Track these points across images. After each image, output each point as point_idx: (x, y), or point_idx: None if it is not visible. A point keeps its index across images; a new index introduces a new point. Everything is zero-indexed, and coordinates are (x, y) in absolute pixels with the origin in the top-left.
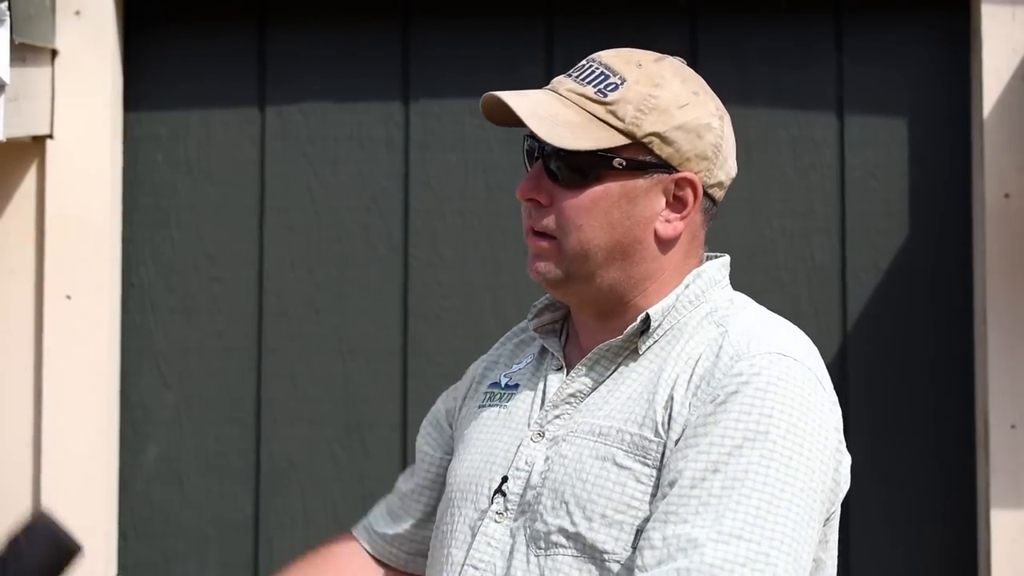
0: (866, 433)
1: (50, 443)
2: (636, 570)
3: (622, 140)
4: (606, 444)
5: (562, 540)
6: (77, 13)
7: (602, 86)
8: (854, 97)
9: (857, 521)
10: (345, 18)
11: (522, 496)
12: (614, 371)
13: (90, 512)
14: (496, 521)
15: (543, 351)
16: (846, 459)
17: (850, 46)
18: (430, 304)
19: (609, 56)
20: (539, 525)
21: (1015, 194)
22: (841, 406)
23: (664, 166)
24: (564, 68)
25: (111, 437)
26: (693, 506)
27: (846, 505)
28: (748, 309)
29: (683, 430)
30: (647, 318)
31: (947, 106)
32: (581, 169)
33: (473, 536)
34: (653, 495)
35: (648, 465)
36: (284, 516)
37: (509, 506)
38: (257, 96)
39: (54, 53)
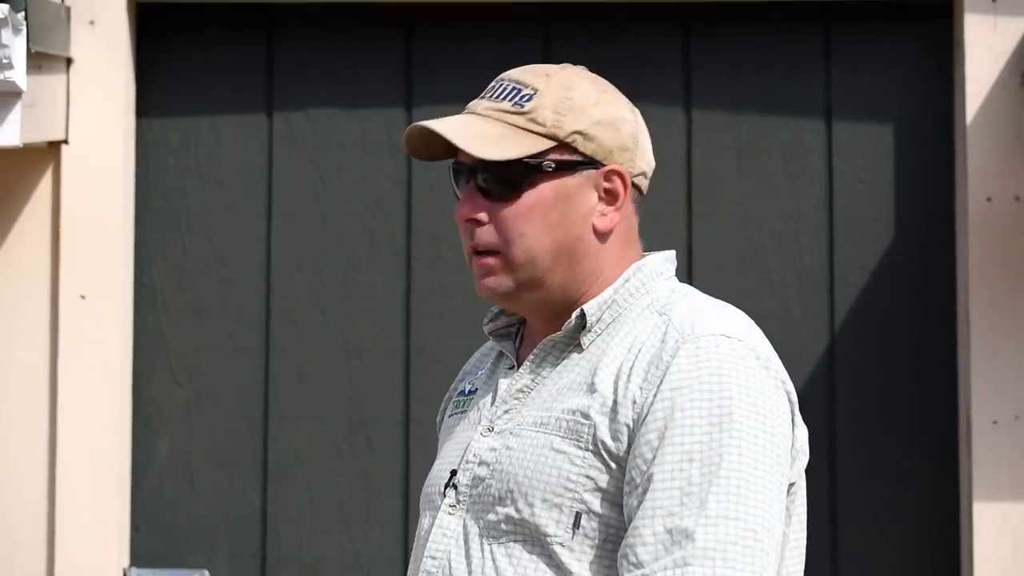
0: (853, 430)
1: (65, 438)
2: (631, 567)
3: (547, 144)
4: (546, 433)
5: (511, 528)
6: (91, 23)
7: (517, 98)
8: (842, 104)
9: (845, 514)
10: (349, 28)
11: (472, 488)
12: (559, 365)
13: (104, 505)
14: (450, 513)
15: (500, 354)
16: (801, 431)
17: (838, 55)
18: (432, 304)
19: (517, 73)
20: (490, 515)
21: (997, 198)
22: (828, 405)
23: (590, 162)
24: None
25: (124, 433)
26: (676, 497)
27: (834, 499)
28: (690, 297)
29: (640, 414)
30: (582, 314)
31: (931, 113)
32: (513, 180)
33: (433, 529)
34: (587, 476)
35: (580, 447)
36: (291, 509)
37: (461, 498)
38: (265, 103)
39: (69, 61)
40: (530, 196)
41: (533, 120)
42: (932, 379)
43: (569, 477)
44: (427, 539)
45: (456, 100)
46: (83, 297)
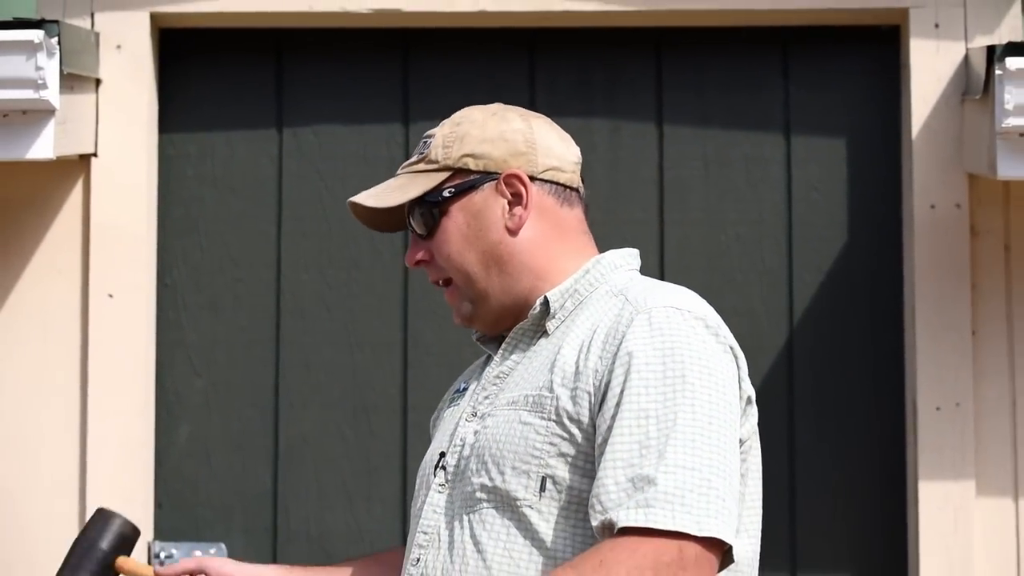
0: (811, 416)
1: (94, 425)
2: (596, 514)
3: (442, 176)
4: (515, 409)
5: (484, 496)
6: (118, 47)
7: (421, 149)
8: (799, 120)
9: (803, 491)
10: (351, 52)
11: (456, 466)
12: (528, 351)
13: (130, 485)
14: (439, 492)
15: (488, 358)
16: (748, 389)
17: (795, 75)
18: (427, 301)
19: (436, 129)
20: (467, 487)
21: (940, 205)
22: (788, 393)
23: (486, 175)
24: (545, 94)
25: (148, 419)
26: (636, 450)
27: (793, 479)
28: (645, 280)
29: (600, 381)
30: (546, 300)
31: (880, 128)
32: (430, 216)
33: (424, 507)
34: (551, 443)
35: (544, 418)
36: (299, 488)
37: (448, 477)
38: (275, 119)
39: (98, 82)
40: (446, 223)
41: (428, 160)
42: (881, 370)
43: (535, 445)
44: (419, 516)
45: (449, 116)
46: (111, 296)
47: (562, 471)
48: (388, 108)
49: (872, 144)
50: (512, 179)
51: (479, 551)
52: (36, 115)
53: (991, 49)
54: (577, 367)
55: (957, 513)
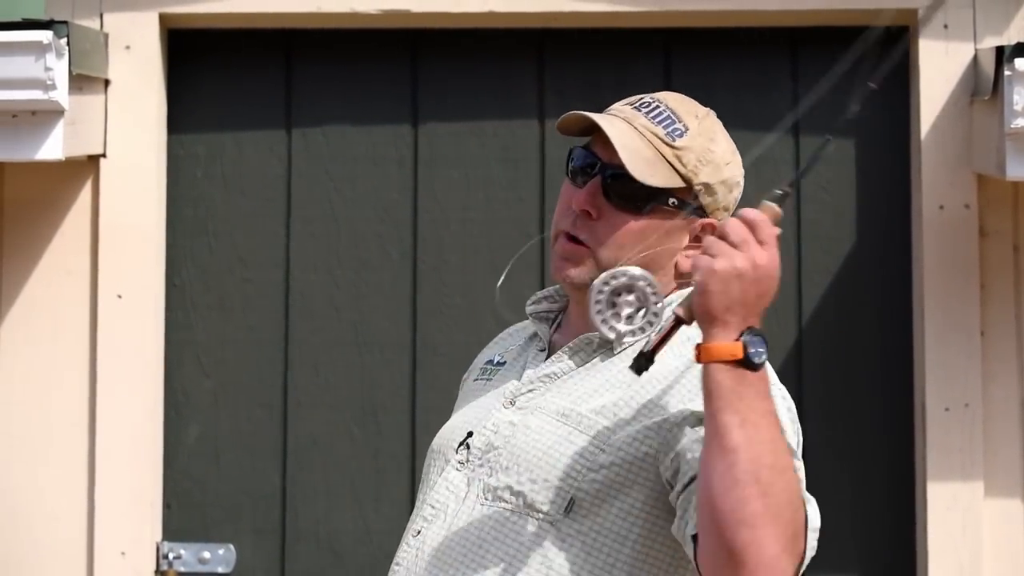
0: (820, 416)
1: (103, 424)
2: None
3: (679, 183)
4: (566, 424)
5: (506, 495)
6: (127, 48)
7: (670, 130)
8: (808, 121)
9: (812, 491)
10: (361, 52)
11: (484, 452)
12: (589, 363)
13: (138, 484)
14: (457, 469)
15: (533, 335)
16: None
17: (804, 76)
18: (436, 302)
19: (671, 100)
20: (492, 479)
21: (949, 206)
22: (797, 393)
23: (700, 210)
24: (554, 95)
25: (157, 419)
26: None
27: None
28: None
29: (676, 420)
30: None
31: (889, 129)
32: (638, 199)
33: (438, 480)
34: (591, 469)
35: (597, 447)
36: (308, 488)
37: (471, 458)
38: (284, 120)
39: (107, 83)
40: (644, 220)
41: (679, 158)
42: (890, 370)
43: (576, 467)
44: (432, 487)
45: (458, 118)
46: (120, 296)
47: (595, 496)
48: (397, 109)
49: (881, 145)
50: (708, 230)
51: (481, 548)
52: (45, 116)
53: (1000, 50)
54: (650, 413)
55: (966, 514)
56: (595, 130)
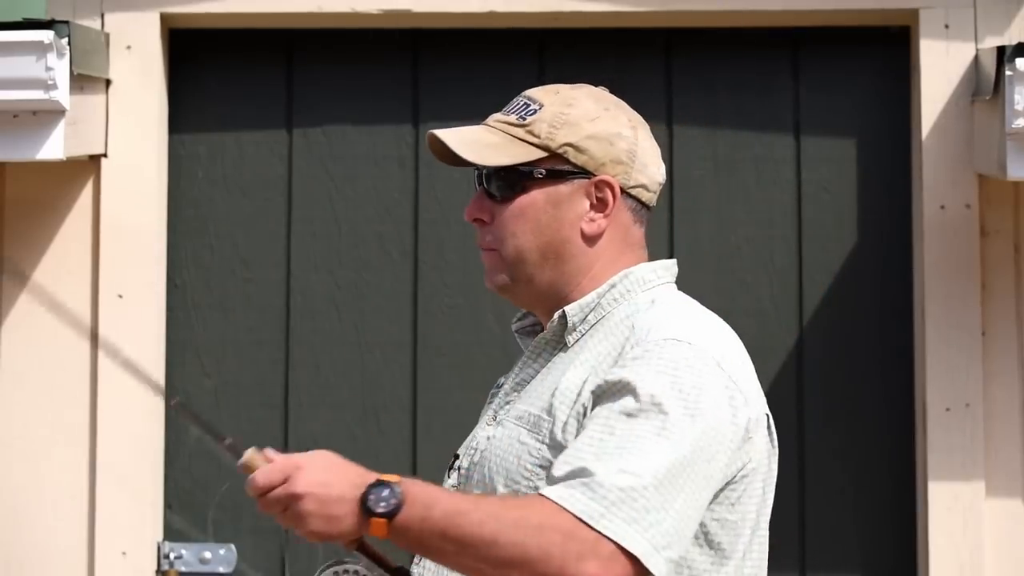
0: (820, 416)
1: (105, 424)
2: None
3: (539, 154)
4: (519, 426)
5: None
6: (128, 48)
7: (523, 112)
8: (809, 121)
9: (812, 491)
10: (362, 52)
11: (468, 470)
12: (548, 362)
13: (140, 484)
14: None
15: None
16: (756, 422)
17: (805, 77)
18: (436, 302)
19: (534, 90)
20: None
21: (950, 206)
22: (797, 393)
23: (582, 172)
24: None
25: (158, 419)
26: (589, 454)
27: (802, 478)
28: (661, 306)
29: (588, 412)
30: (564, 315)
31: (890, 129)
32: (510, 184)
33: None
34: (541, 466)
35: (539, 440)
36: None
37: (460, 479)
38: (285, 120)
39: (108, 83)
40: (523, 200)
41: (530, 132)
42: (891, 370)
43: (526, 466)
44: None
45: (459, 117)
46: (121, 296)
47: None
48: (398, 108)
49: (882, 145)
50: (604, 186)
51: None
52: (46, 116)
53: (1001, 50)
54: (579, 394)
55: (967, 514)
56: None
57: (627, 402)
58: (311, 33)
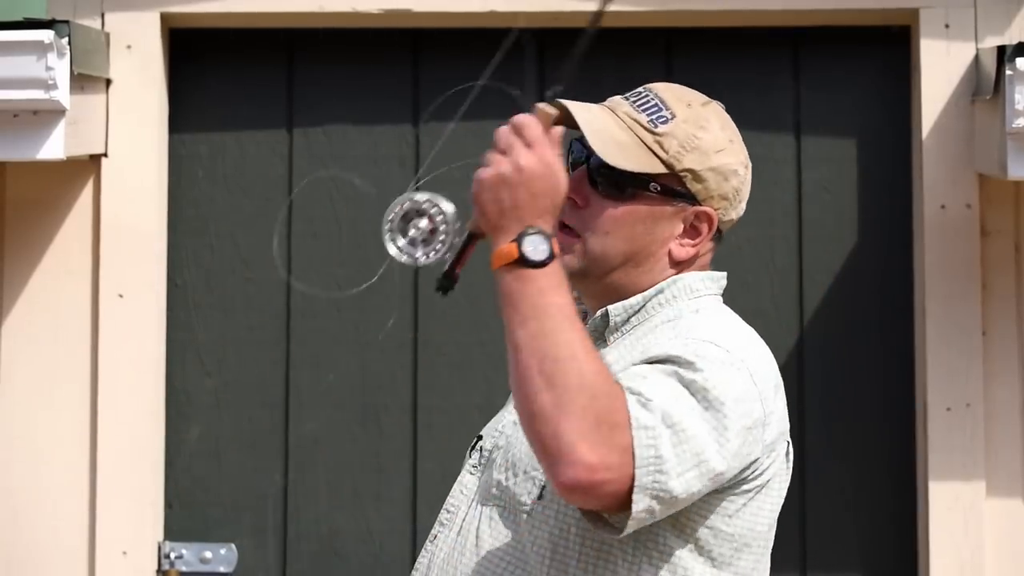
0: (821, 415)
1: (105, 424)
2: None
3: (661, 168)
4: None
5: (497, 493)
6: (128, 47)
7: (654, 117)
8: (809, 120)
9: (813, 490)
10: (362, 52)
11: (490, 453)
12: None
13: (140, 484)
14: (471, 473)
15: None
16: (778, 442)
17: (806, 76)
18: (438, 302)
19: (663, 90)
20: (487, 479)
21: (950, 205)
22: (798, 393)
23: (690, 198)
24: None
25: (158, 419)
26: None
27: (803, 478)
28: (704, 313)
29: None
30: (606, 313)
31: (890, 128)
32: (621, 185)
33: (455, 485)
34: None
35: None
36: (309, 488)
37: (482, 461)
38: (285, 120)
39: (108, 82)
40: (628, 206)
41: (660, 143)
42: (892, 369)
43: None
44: (450, 492)
45: (460, 117)
46: (121, 296)
47: None
48: (398, 108)
49: (882, 144)
50: (704, 217)
51: (478, 547)
52: (46, 115)
53: (1001, 49)
54: None
55: (967, 514)
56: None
57: (674, 367)
58: (312, 33)
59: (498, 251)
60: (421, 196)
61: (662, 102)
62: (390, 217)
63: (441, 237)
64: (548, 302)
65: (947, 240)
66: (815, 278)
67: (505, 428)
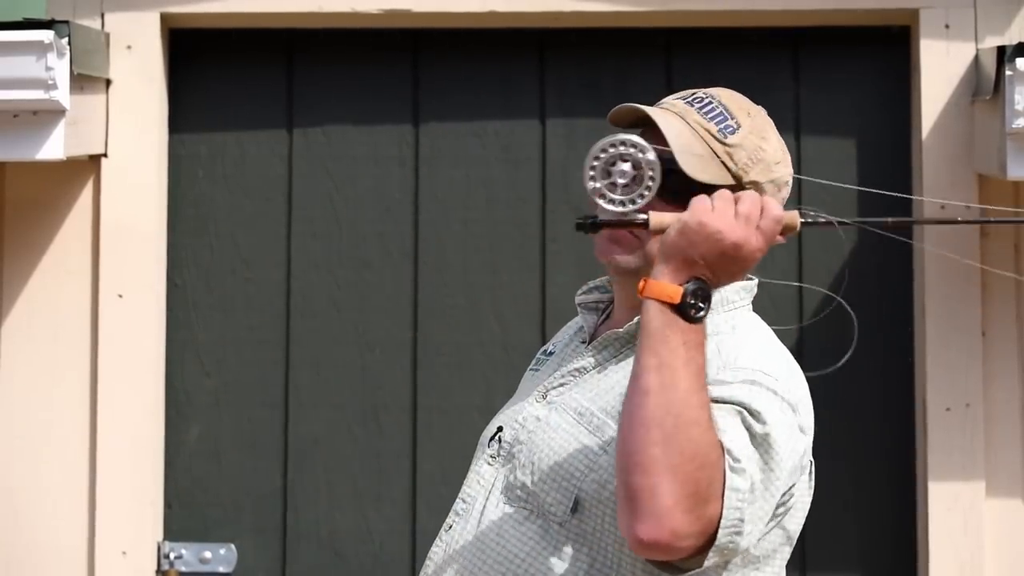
0: (820, 415)
1: (105, 424)
2: None
3: (730, 180)
4: (579, 423)
5: (523, 495)
6: (128, 47)
7: (723, 126)
8: (809, 121)
9: (814, 490)
10: (362, 52)
11: (511, 446)
12: (615, 359)
13: (140, 484)
14: (489, 463)
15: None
16: (804, 470)
17: (806, 77)
18: (437, 302)
19: (725, 96)
20: (511, 477)
21: (950, 206)
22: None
23: None
24: (555, 95)
25: (158, 419)
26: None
27: None
28: (743, 333)
29: None
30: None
31: (890, 129)
32: (687, 192)
33: (471, 473)
34: (592, 470)
35: (600, 447)
36: (309, 488)
37: (502, 452)
38: (285, 120)
39: (108, 82)
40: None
41: (730, 155)
42: (891, 371)
43: (579, 467)
44: (466, 480)
45: (459, 117)
46: (121, 296)
47: (600, 496)
48: (398, 108)
49: (882, 145)
50: None
51: (499, 553)
52: (46, 116)
53: (1001, 50)
54: None
55: (967, 514)
56: (645, 123)
57: (740, 412)
58: (311, 33)
59: (659, 284)
60: (638, 142)
61: (726, 110)
62: (601, 155)
63: (642, 190)
64: (689, 357)
65: (946, 240)
66: (815, 278)
67: (527, 423)
